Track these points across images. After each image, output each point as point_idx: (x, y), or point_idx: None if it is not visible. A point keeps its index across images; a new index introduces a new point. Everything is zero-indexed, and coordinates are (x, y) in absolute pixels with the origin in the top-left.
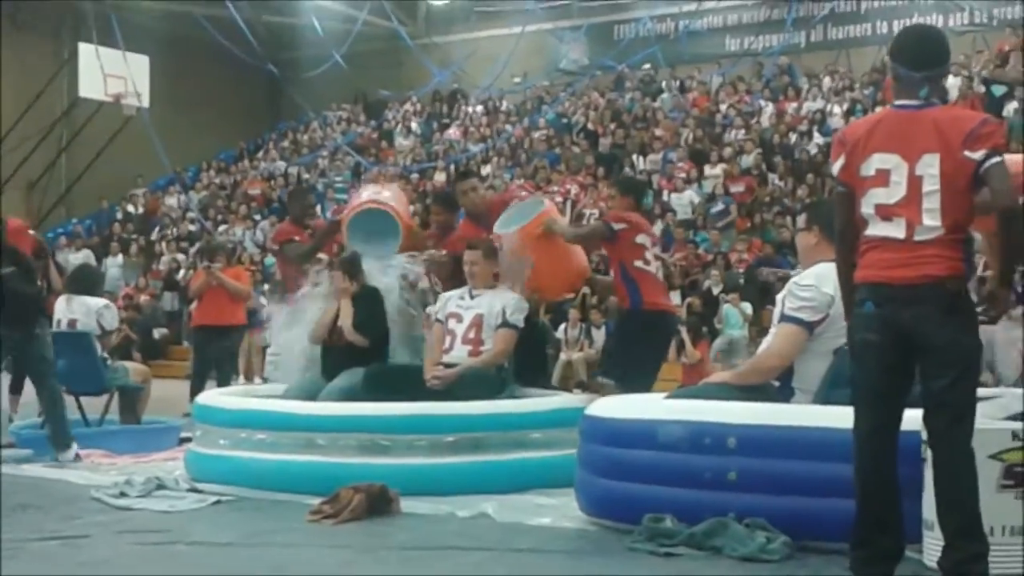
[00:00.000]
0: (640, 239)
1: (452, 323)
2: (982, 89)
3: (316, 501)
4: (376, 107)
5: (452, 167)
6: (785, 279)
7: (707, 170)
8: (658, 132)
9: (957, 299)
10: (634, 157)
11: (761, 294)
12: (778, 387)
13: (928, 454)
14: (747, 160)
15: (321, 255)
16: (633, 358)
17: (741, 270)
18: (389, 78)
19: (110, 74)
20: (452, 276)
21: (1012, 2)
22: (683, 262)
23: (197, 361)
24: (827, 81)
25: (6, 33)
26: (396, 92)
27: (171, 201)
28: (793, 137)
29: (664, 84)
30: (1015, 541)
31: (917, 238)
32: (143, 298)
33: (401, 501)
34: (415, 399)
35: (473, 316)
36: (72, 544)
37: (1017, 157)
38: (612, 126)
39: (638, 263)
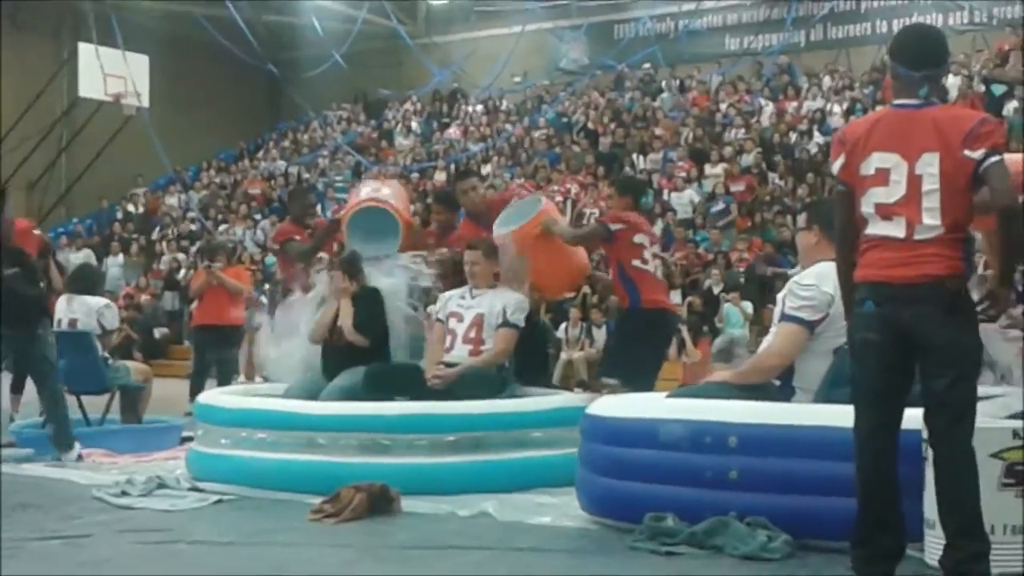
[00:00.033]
0: (638, 239)
1: (453, 322)
2: (982, 88)
3: (317, 500)
4: (376, 107)
5: (452, 166)
6: (784, 277)
7: (707, 169)
8: (658, 131)
9: (957, 298)
10: (634, 156)
11: (761, 293)
12: (779, 386)
13: (929, 453)
14: (747, 159)
15: (321, 254)
16: (633, 357)
17: (741, 269)
18: (389, 78)
19: (110, 74)
20: (452, 275)
21: (1012, 1)
22: (683, 261)
23: (198, 360)
24: (827, 80)
25: (6, 33)
26: (396, 92)
27: (171, 201)
28: (793, 136)
29: (664, 83)
30: (1016, 540)
31: (917, 237)
32: (144, 297)
33: (402, 500)
34: (416, 398)
35: (474, 316)
36: (73, 543)
37: (1017, 156)
38: (612, 125)
39: (636, 262)
